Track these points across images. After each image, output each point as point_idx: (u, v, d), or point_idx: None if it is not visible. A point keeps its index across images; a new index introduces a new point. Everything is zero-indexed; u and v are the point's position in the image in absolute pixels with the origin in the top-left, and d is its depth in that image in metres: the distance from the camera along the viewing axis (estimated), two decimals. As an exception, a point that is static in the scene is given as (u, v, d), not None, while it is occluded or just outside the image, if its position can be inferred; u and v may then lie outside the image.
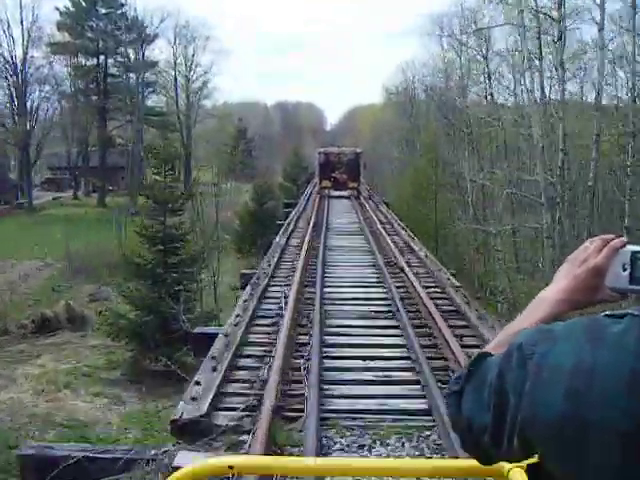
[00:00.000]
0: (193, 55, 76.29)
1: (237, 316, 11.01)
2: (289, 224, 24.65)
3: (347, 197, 37.90)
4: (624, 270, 1.33)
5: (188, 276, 18.35)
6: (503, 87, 36.32)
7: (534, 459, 1.25)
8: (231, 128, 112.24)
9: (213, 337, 10.18)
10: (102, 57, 64.46)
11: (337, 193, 38.77)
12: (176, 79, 73.96)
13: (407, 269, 15.64)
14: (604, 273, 1.36)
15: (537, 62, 25.96)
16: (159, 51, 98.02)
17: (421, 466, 1.84)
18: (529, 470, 1.35)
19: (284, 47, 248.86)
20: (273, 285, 14.20)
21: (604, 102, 26.11)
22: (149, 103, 73.74)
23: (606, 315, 1.20)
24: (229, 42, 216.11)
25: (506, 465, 1.52)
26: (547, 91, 26.45)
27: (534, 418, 1.16)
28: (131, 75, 65.88)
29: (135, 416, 15.75)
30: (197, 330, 12.33)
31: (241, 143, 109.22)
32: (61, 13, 62.75)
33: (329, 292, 13.77)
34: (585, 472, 1.12)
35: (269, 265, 16.17)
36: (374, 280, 15.59)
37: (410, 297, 13.20)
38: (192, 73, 76.79)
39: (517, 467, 1.47)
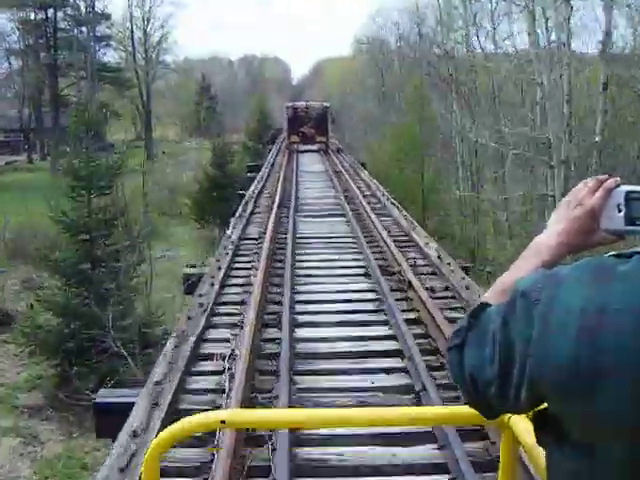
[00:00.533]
0: (150, 7, 71.34)
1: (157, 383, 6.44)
2: (248, 202, 19.22)
3: (317, 151, 37.17)
4: (619, 211, 1.30)
5: (123, 272, 14.01)
6: (490, 32, 32.07)
7: (541, 407, 1.20)
8: (194, 84, 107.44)
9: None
10: (51, 10, 59.11)
11: (306, 147, 38.34)
12: (132, 32, 69.09)
13: (417, 285, 9.52)
14: (600, 215, 1.33)
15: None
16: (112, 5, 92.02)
17: (420, 414, 1.89)
18: (535, 417, 1.27)
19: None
20: (218, 319, 8.76)
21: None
22: (105, 59, 68.94)
23: (613, 255, 1.16)
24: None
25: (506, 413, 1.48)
26: (552, 35, 22.24)
27: (545, 364, 1.12)
28: (82, 29, 60.63)
29: (53, 465, 11.82)
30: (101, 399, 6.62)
31: (205, 99, 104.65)
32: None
33: (303, 338, 8.17)
34: (596, 412, 1.08)
35: (212, 285, 10.10)
36: (370, 309, 9.36)
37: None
38: (149, 26, 71.86)
39: (517, 415, 1.52)
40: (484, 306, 1.32)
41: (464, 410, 1.81)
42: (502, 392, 1.22)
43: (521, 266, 1.38)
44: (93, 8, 58.62)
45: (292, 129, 39.36)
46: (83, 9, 58.73)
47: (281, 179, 23.59)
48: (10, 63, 61.64)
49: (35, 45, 59.41)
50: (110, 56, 71.49)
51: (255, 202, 19.41)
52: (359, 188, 21.40)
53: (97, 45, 65.32)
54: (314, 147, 38.47)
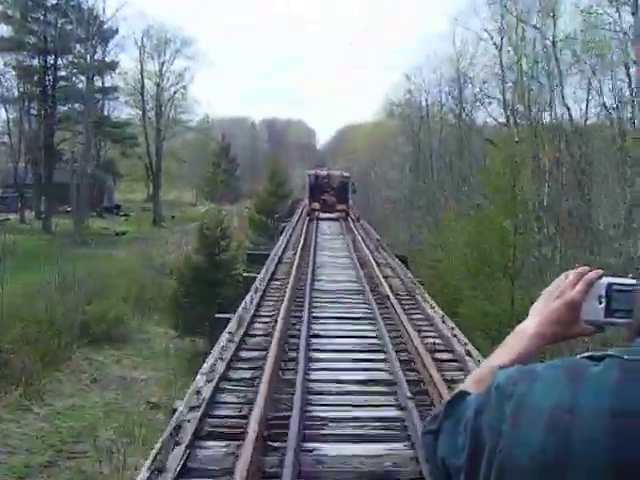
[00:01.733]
0: (163, 62, 63.93)
1: None
2: (230, 341, 10.19)
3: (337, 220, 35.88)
4: (600, 303, 1.31)
5: None
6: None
7: None
8: (213, 144, 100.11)
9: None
10: (52, 57, 51.64)
11: (326, 216, 37.50)
12: (143, 86, 61.69)
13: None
14: (579, 307, 1.34)
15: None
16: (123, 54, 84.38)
17: None
18: None
19: (274, 66, 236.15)
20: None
21: None
22: (115, 113, 61.54)
23: (586, 357, 1.17)
24: (217, 59, 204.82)
25: None
26: None
27: (512, 459, 1.11)
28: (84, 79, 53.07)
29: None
30: None
31: (224, 161, 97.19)
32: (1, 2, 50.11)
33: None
34: None
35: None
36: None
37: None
38: (163, 80, 64.48)
39: None
40: (462, 394, 1.30)
41: None
42: None
43: (501, 354, 1.38)
44: (103, 56, 51.23)
45: (313, 196, 39.39)
46: (88, 57, 50.85)
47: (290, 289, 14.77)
48: (7, 111, 54.02)
49: (32, 93, 51.74)
50: (120, 111, 63.90)
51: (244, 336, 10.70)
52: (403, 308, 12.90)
53: (103, 97, 57.98)
54: (334, 215, 37.85)
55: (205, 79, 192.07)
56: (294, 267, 16.96)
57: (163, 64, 63.49)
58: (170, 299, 21.47)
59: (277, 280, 16.00)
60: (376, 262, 18.33)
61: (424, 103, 49.13)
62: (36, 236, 52.05)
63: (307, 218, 35.35)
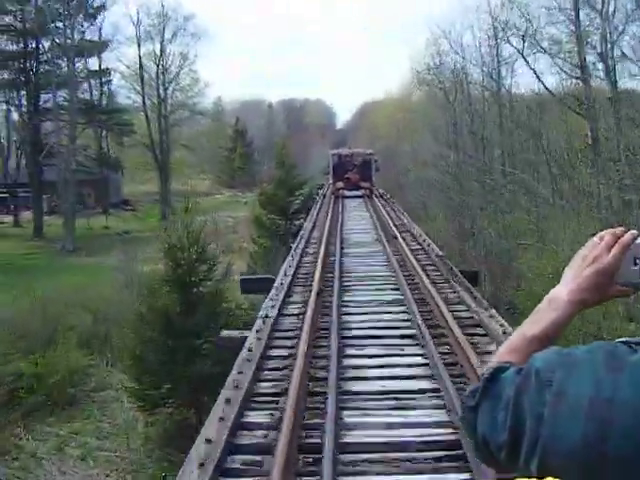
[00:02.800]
0: (163, 42, 56.34)
1: None
2: None
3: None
4: (635, 264, 1.28)
5: None
6: None
7: None
8: (227, 129, 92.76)
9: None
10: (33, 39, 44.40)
11: (350, 193, 37.14)
12: (141, 65, 54.11)
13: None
14: (615, 272, 1.30)
15: None
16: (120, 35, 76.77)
17: None
18: None
19: (289, 46, 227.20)
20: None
21: None
22: (115, 100, 54.28)
23: (623, 342, 1.16)
24: (227, 41, 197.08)
25: None
26: None
27: (554, 446, 1.11)
28: (76, 63, 45.74)
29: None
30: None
31: (240, 146, 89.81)
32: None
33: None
34: None
35: None
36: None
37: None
38: (165, 60, 57.05)
39: None
40: (500, 369, 1.28)
41: None
42: (512, 459, 1.20)
43: (536, 321, 1.35)
44: (98, 36, 43.72)
45: (337, 176, 38.92)
46: (72, 36, 43.47)
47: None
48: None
49: (13, 82, 44.59)
50: (123, 97, 56.62)
51: None
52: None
53: (100, 82, 50.78)
54: (358, 192, 37.46)
55: (213, 61, 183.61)
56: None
57: (163, 42, 56.09)
58: (129, 353, 14.18)
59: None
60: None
61: (458, 66, 41.51)
62: (28, 242, 45.64)
63: (332, 197, 34.97)
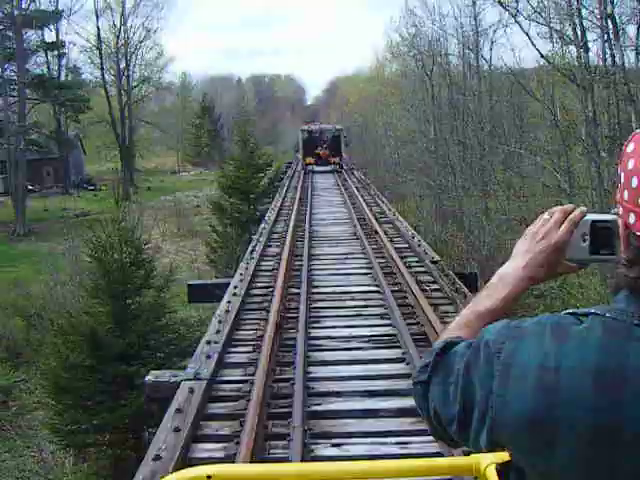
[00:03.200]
0: (122, 12, 52.57)
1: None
2: None
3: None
4: (584, 241, 1.29)
5: None
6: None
7: (503, 454, 1.21)
8: (194, 105, 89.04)
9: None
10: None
11: (320, 168, 36.70)
12: (99, 37, 50.50)
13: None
14: (563, 248, 1.31)
15: None
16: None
17: (396, 467, 1.74)
18: (500, 468, 1.31)
19: (257, 21, 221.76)
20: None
21: None
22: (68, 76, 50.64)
23: (570, 313, 1.17)
24: (196, 15, 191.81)
25: (482, 462, 1.44)
26: None
27: (503, 416, 1.13)
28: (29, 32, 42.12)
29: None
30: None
31: (206, 122, 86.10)
32: None
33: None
34: (554, 466, 1.10)
35: None
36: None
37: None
38: (126, 33, 53.42)
39: (493, 463, 1.39)
40: (451, 344, 1.28)
41: (438, 462, 1.85)
42: (462, 432, 1.21)
43: (487, 297, 1.36)
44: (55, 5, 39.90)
45: (307, 151, 38.27)
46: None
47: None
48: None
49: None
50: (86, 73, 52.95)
51: None
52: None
53: (53, 56, 47.16)
54: (328, 168, 36.77)
55: (180, 35, 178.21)
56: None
57: (123, 14, 52.36)
58: (51, 379, 11.22)
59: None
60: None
61: (435, 36, 38.62)
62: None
63: (300, 177, 33.51)
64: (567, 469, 1.08)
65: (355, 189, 25.22)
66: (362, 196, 22.91)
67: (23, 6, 39.87)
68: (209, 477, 1.59)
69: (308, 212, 19.13)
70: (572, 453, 1.07)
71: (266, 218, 17.84)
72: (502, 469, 1.28)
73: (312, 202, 21.84)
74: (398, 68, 48.44)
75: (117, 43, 50.69)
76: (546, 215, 1.35)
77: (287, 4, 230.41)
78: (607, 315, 1.12)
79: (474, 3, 35.77)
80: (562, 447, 1.07)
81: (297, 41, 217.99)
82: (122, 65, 53.41)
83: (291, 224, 16.41)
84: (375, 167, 47.42)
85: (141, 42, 54.31)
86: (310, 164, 37.23)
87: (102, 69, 48.96)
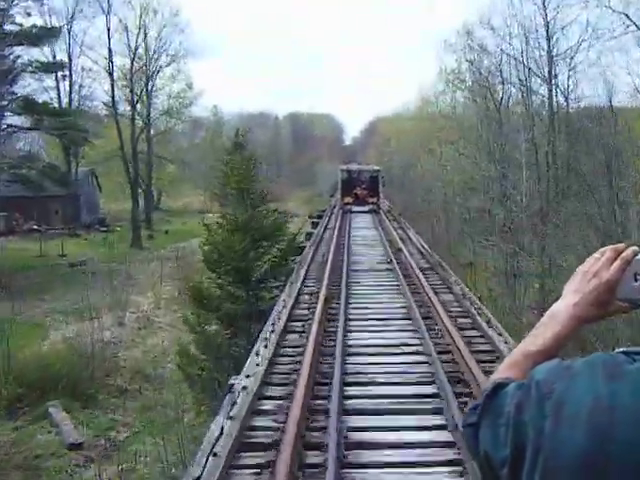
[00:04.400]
0: (140, 31, 45.66)
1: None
2: None
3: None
4: (636, 280, 1.24)
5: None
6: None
7: None
8: (225, 141, 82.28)
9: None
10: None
11: (358, 209, 36.67)
12: (111, 55, 43.40)
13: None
14: (615, 287, 1.27)
15: None
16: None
17: None
18: None
19: (299, 63, 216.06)
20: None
21: None
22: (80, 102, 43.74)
23: (623, 352, 1.14)
24: (235, 61, 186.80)
25: None
26: None
27: (556, 457, 1.07)
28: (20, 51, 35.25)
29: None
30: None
31: (237, 160, 79.29)
32: None
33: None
34: None
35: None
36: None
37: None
38: (147, 52, 46.49)
39: None
40: (501, 385, 1.24)
41: None
42: (514, 476, 1.14)
43: (536, 336, 1.32)
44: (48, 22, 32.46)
45: (346, 191, 38.76)
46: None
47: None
48: None
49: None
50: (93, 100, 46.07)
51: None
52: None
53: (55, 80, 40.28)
54: (365, 208, 36.94)
55: (215, 77, 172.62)
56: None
57: (140, 32, 45.35)
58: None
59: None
60: None
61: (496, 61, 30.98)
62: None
63: (340, 212, 34.61)
64: None
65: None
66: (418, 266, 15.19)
67: (17, 20, 33.04)
68: None
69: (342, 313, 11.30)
70: None
71: (268, 325, 10.00)
72: None
73: (347, 290, 13.76)
74: (451, 102, 40.69)
75: (132, 67, 43.66)
76: (597, 254, 1.30)
77: (320, 50, 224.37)
78: None
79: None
80: None
81: (336, 81, 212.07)
82: (137, 92, 46.47)
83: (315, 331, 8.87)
84: (420, 217, 40.23)
85: (160, 68, 47.44)
86: (348, 204, 37.47)
87: (112, 96, 41.81)
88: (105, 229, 50.57)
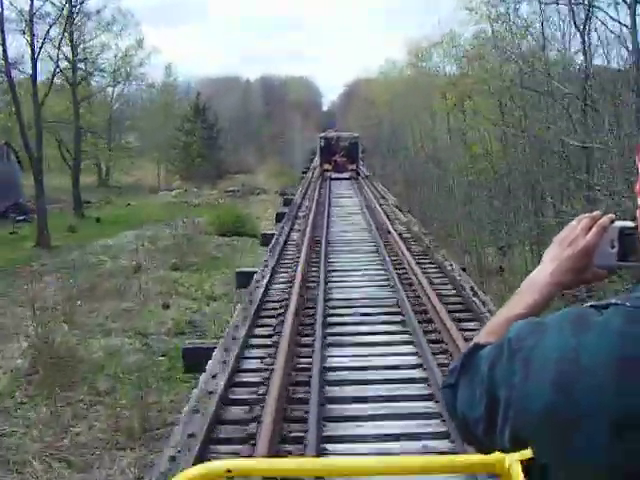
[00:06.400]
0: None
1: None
2: None
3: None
4: (612, 247, 1.28)
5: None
6: None
7: (527, 453, 1.17)
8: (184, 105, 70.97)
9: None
10: None
11: (337, 175, 37.24)
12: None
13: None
14: (593, 253, 1.30)
15: None
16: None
17: (417, 463, 1.70)
18: (524, 465, 1.27)
19: (272, 28, 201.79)
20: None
21: None
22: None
23: (591, 306, 1.15)
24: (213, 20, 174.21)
25: (506, 459, 1.41)
26: None
27: (524, 409, 1.10)
28: None
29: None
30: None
31: (198, 127, 67.97)
32: None
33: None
34: (574, 458, 1.06)
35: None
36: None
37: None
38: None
39: (517, 460, 1.33)
40: (477, 347, 1.27)
41: (462, 459, 1.81)
42: (489, 432, 1.19)
43: (514, 304, 1.35)
44: None
45: (325, 158, 39.14)
46: None
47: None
48: None
49: None
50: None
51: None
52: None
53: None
54: (345, 175, 37.17)
55: (194, 44, 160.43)
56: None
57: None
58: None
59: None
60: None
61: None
62: None
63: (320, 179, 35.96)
64: (586, 459, 1.03)
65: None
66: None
67: None
68: (229, 471, 1.57)
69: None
70: (591, 442, 1.02)
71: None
72: (526, 466, 1.22)
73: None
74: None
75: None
76: (574, 222, 1.33)
77: (302, 9, 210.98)
78: (627, 304, 1.10)
79: None
80: (583, 436, 1.03)
81: (313, 43, 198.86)
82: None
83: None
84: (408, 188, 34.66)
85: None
86: (327, 171, 38.02)
87: (4, 44, 29.95)
88: (22, 219, 39.32)
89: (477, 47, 27.96)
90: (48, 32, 31.89)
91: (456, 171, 28.02)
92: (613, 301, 1.13)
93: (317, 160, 42.36)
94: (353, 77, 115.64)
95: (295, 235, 18.09)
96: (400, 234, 16.99)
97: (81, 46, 39.61)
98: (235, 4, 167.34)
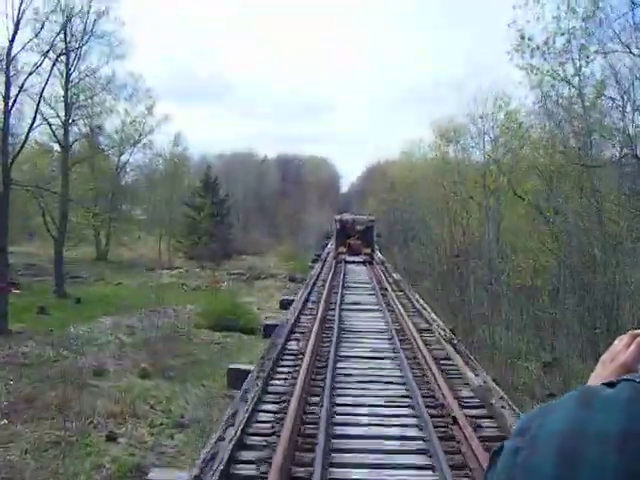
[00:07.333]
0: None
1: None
2: None
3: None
4: None
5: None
6: None
7: None
8: (193, 180, 67.04)
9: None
10: None
11: (352, 258, 35.99)
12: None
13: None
14: (632, 370, 1.25)
15: None
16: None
17: None
18: None
19: (295, 113, 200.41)
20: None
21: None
22: None
23: (603, 384, 1.13)
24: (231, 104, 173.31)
25: None
26: None
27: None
28: None
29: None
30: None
31: (207, 203, 63.76)
32: None
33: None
34: None
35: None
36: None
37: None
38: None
39: None
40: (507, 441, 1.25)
41: None
42: None
43: None
44: None
45: (340, 241, 38.72)
46: None
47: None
48: None
49: None
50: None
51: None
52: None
53: None
54: (359, 258, 35.89)
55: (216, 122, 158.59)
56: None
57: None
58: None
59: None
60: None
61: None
62: None
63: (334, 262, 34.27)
64: None
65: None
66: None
67: None
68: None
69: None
70: None
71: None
72: None
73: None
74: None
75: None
76: (616, 341, 1.31)
77: (331, 99, 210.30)
78: (637, 380, 1.09)
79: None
80: None
81: (334, 129, 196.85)
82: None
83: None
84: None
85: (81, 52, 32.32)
86: (342, 253, 37.37)
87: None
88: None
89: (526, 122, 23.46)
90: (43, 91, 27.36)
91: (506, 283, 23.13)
92: (624, 377, 1.11)
93: (332, 243, 42.10)
94: (374, 159, 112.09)
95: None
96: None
97: (76, 104, 35.36)
98: (254, 84, 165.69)
